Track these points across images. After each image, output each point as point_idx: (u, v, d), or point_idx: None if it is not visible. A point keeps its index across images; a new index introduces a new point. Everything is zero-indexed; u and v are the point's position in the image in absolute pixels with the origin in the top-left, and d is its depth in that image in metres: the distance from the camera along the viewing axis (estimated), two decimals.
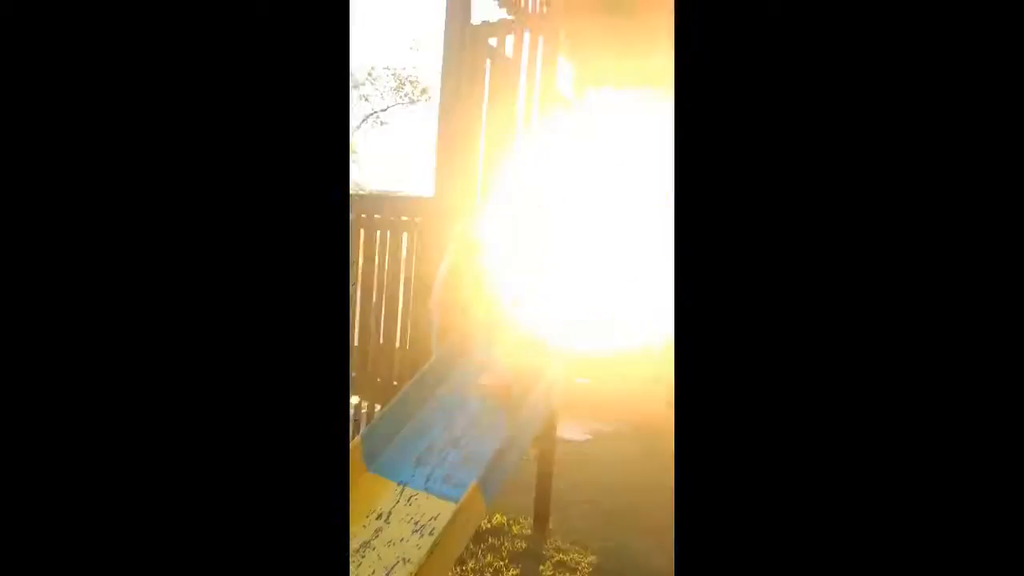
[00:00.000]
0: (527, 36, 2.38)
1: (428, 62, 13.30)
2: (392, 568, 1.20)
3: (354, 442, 1.45)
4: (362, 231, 2.61)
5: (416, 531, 1.27)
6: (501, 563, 1.92)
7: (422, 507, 1.33)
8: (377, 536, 1.28)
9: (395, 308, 2.52)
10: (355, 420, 2.70)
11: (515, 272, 1.94)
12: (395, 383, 2.50)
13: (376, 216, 2.59)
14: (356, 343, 2.66)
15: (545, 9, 2.42)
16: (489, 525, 2.15)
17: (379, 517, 1.32)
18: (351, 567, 1.23)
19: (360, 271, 2.62)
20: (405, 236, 2.52)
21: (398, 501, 1.35)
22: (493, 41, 2.36)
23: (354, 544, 1.28)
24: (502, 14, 2.41)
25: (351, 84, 13.56)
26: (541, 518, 2.18)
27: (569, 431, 3.28)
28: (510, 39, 2.38)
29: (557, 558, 1.98)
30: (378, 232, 2.59)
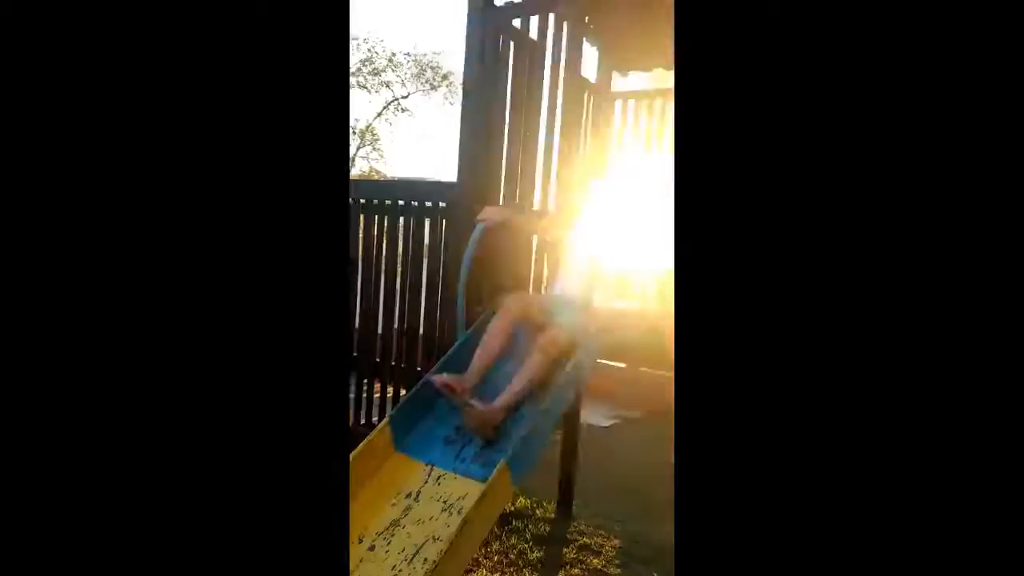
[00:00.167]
0: (552, 18, 2.35)
1: (450, 48, 13.25)
2: (422, 546, 1.22)
3: (382, 424, 1.47)
4: (385, 218, 2.63)
5: (445, 510, 1.28)
6: (525, 546, 1.94)
7: (450, 487, 1.34)
8: (406, 515, 1.30)
9: (418, 294, 2.53)
10: (380, 405, 2.73)
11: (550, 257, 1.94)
12: (418, 368, 2.51)
13: (399, 202, 2.60)
14: (380, 330, 2.69)
15: None
16: (513, 508, 2.17)
17: (408, 496, 1.34)
18: (381, 545, 1.25)
19: (384, 258, 2.63)
20: (427, 222, 2.53)
21: (426, 481, 1.36)
22: (517, 23, 2.34)
23: (384, 523, 1.30)
24: None
25: (372, 71, 13.61)
26: (565, 502, 2.19)
27: (594, 416, 3.29)
28: (535, 21, 2.35)
29: (581, 541, 1.99)
30: (401, 219, 2.60)
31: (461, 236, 2.15)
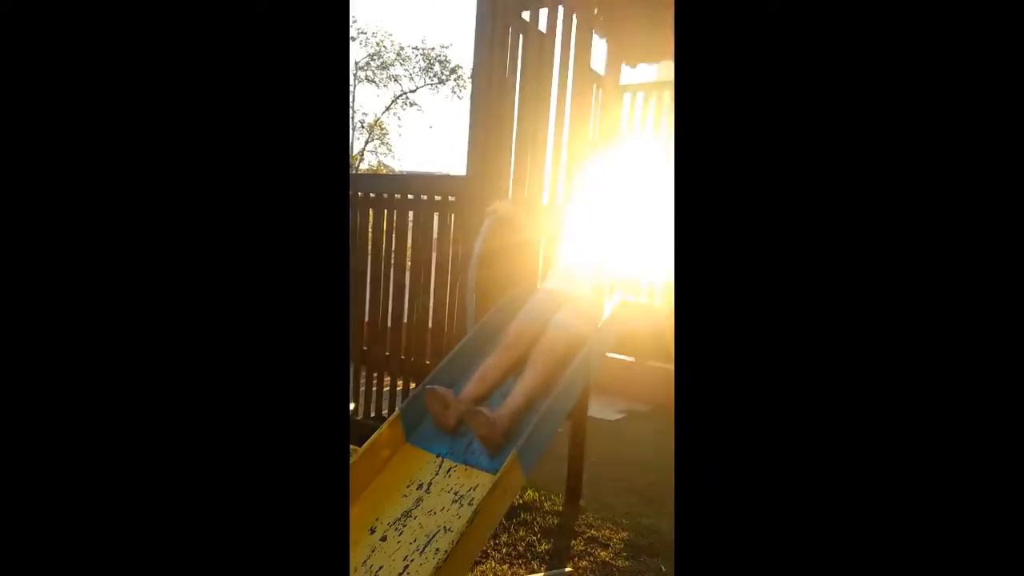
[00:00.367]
0: (561, 11, 2.34)
1: (458, 41, 13.22)
2: (434, 536, 1.23)
3: (392, 416, 1.48)
4: (395, 212, 2.63)
5: (456, 501, 1.29)
6: (533, 538, 1.95)
7: (461, 478, 1.35)
8: (418, 506, 1.31)
9: (427, 288, 2.54)
10: (390, 398, 2.75)
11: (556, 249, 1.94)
12: (427, 362, 2.53)
13: (409, 196, 2.61)
14: (389, 324, 2.70)
15: None
16: (521, 501, 2.18)
17: (419, 487, 1.35)
18: (393, 536, 1.27)
19: (393, 252, 2.64)
20: (436, 216, 2.53)
21: (437, 472, 1.38)
22: (526, 15, 2.33)
23: (396, 514, 1.31)
24: None
25: (381, 65, 13.61)
26: (573, 495, 2.19)
27: (603, 410, 3.29)
28: (543, 13, 2.35)
29: (589, 534, 2.00)
30: (411, 212, 2.60)
31: (470, 230, 2.16)
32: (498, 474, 1.23)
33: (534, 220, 2.13)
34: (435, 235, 2.55)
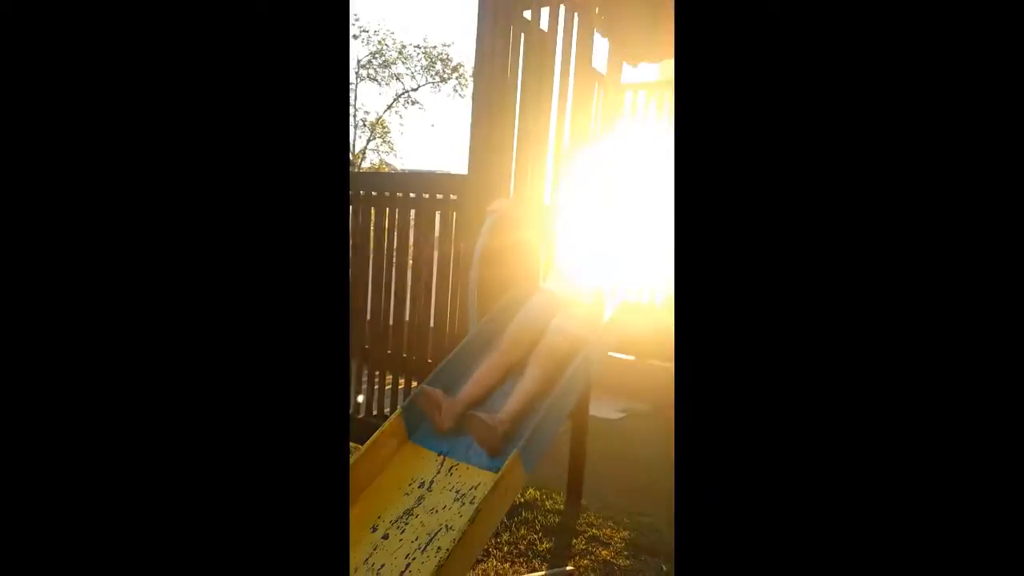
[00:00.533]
0: (562, 9, 2.34)
1: (460, 39, 13.21)
2: (435, 534, 1.23)
3: (395, 415, 1.48)
4: (396, 210, 2.64)
5: (457, 499, 1.29)
6: (535, 536, 1.95)
7: (463, 477, 1.35)
8: (420, 504, 1.31)
9: (428, 287, 2.54)
10: (392, 396, 2.76)
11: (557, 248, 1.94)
12: (429, 360, 2.53)
13: (411, 195, 2.61)
14: (390, 322, 2.71)
15: None
16: (522, 500, 2.19)
17: (421, 485, 1.35)
18: (395, 534, 1.27)
19: (394, 250, 2.64)
20: (438, 214, 2.54)
21: (439, 471, 1.38)
22: (527, 14, 2.33)
23: (397, 512, 1.31)
24: None
25: (383, 63, 13.60)
26: (574, 493, 2.20)
27: (603, 409, 3.29)
28: (545, 12, 2.35)
29: (590, 533, 2.00)
30: (412, 211, 2.61)
31: (471, 228, 2.16)
32: (499, 473, 1.23)
33: (536, 219, 2.13)
34: (437, 234, 2.55)
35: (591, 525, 2.06)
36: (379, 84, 13.91)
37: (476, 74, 2.35)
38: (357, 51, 13.65)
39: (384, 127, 14.13)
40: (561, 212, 2.09)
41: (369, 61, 13.59)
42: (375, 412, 2.74)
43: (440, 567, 1.10)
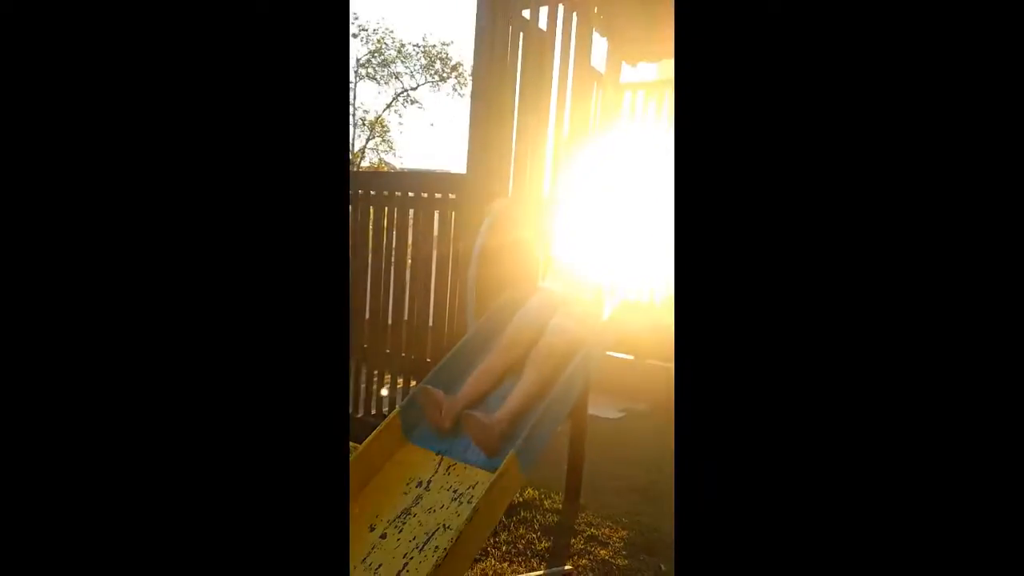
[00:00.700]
0: (561, 9, 2.34)
1: (459, 38, 13.19)
2: (433, 533, 1.23)
3: (392, 414, 1.48)
4: (395, 209, 2.63)
5: (455, 499, 1.29)
6: (533, 536, 1.95)
7: (461, 476, 1.35)
8: (418, 503, 1.31)
9: (427, 286, 2.54)
10: (391, 395, 2.75)
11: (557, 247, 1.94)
12: (428, 360, 2.53)
13: (410, 194, 2.61)
14: (389, 321, 2.70)
15: None
16: (521, 499, 2.19)
17: (419, 485, 1.35)
18: (392, 534, 1.27)
19: (393, 249, 2.64)
20: (437, 213, 2.54)
21: (437, 470, 1.38)
22: (526, 13, 2.33)
23: (395, 511, 1.31)
24: None
25: (382, 62, 13.59)
26: (572, 493, 2.20)
27: (602, 409, 3.29)
28: (544, 11, 2.34)
29: (589, 532, 2.00)
30: (411, 210, 2.60)
31: (470, 227, 2.16)
32: (497, 472, 1.23)
33: (534, 218, 2.13)
34: (436, 233, 2.55)
35: (590, 524, 2.06)
36: (378, 83, 13.90)
37: (475, 73, 2.35)
38: (356, 50, 13.64)
39: (383, 126, 14.12)
40: (560, 211, 2.09)
41: (368, 60, 13.58)
42: (373, 411, 2.74)
43: (438, 566, 1.10)
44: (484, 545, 1.82)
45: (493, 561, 1.78)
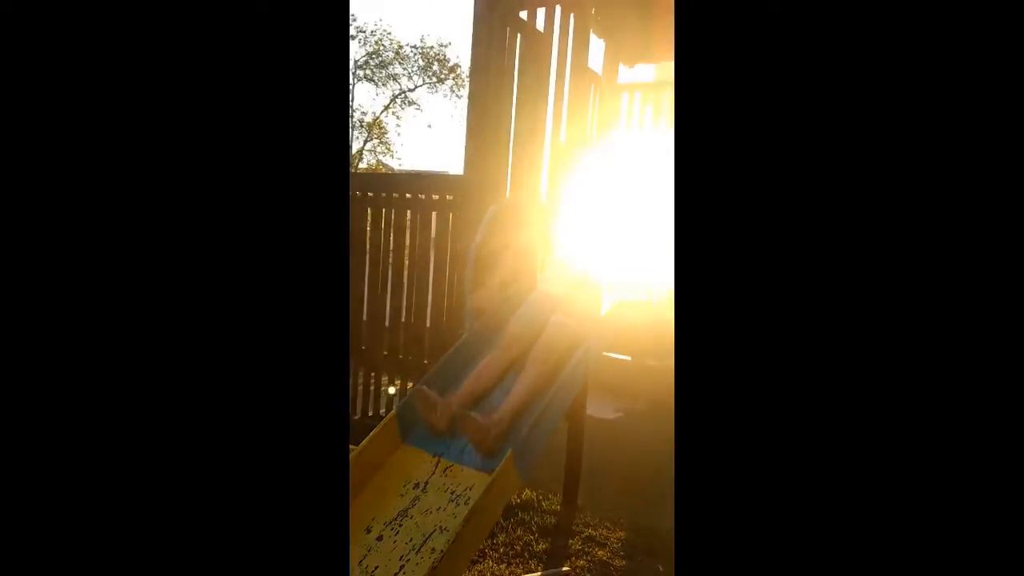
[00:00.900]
0: (558, 10, 2.34)
1: (457, 40, 13.20)
2: (429, 535, 1.23)
3: (389, 416, 1.48)
4: (392, 211, 2.63)
5: (452, 501, 1.29)
6: (531, 537, 1.95)
7: (457, 478, 1.35)
8: (414, 505, 1.31)
9: (424, 287, 2.54)
10: (387, 397, 2.75)
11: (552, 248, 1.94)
12: (425, 361, 2.53)
13: (407, 195, 2.61)
14: (386, 323, 2.70)
15: None
16: (519, 500, 2.18)
17: (416, 487, 1.35)
18: (389, 536, 1.27)
19: (391, 251, 2.64)
20: (434, 215, 2.53)
21: (434, 472, 1.38)
22: (523, 15, 2.33)
23: (392, 513, 1.31)
24: None
25: (379, 64, 13.59)
26: (570, 494, 2.19)
27: (600, 409, 3.29)
28: (541, 13, 2.35)
29: (587, 533, 2.00)
30: (408, 212, 2.61)
31: (468, 229, 2.16)
32: (494, 474, 1.23)
33: (532, 218, 2.13)
34: (433, 234, 2.55)
35: (587, 525, 2.05)
36: (376, 85, 13.90)
37: (472, 74, 2.35)
38: (354, 52, 13.64)
39: (381, 128, 14.11)
40: (557, 211, 2.09)
41: (366, 62, 13.58)
42: (370, 413, 2.73)
43: (434, 569, 1.10)
44: (481, 547, 1.82)
45: (491, 563, 1.78)
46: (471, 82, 2.37)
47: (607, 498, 2.26)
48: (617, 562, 1.84)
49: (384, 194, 2.68)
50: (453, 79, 13.84)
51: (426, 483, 1.35)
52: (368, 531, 1.28)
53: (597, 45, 3.11)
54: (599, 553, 1.88)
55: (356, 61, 13.48)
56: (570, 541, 1.95)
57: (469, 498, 1.28)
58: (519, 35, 2.32)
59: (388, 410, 2.65)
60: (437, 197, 2.53)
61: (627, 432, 3.12)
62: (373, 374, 2.75)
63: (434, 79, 13.88)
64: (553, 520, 2.09)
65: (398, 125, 18.34)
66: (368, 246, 2.73)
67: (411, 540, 1.24)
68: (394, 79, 13.81)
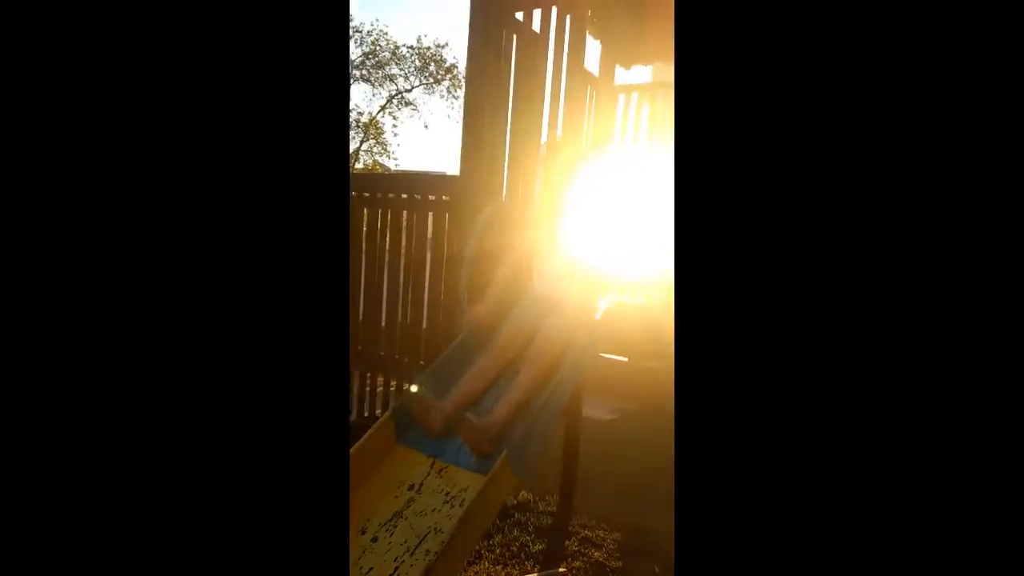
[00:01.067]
0: (554, 11, 2.34)
1: (453, 41, 13.20)
2: (424, 537, 1.23)
3: (384, 416, 1.47)
4: (389, 211, 2.63)
5: (447, 502, 1.29)
6: (527, 538, 1.95)
7: (453, 479, 1.34)
8: (409, 507, 1.31)
9: (421, 287, 2.54)
10: (383, 398, 2.75)
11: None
12: (421, 362, 2.52)
13: (403, 196, 2.61)
14: (383, 323, 2.70)
15: None
16: (515, 501, 2.18)
17: (411, 488, 1.35)
18: (384, 537, 1.26)
19: (387, 251, 2.64)
20: (431, 215, 2.53)
21: (428, 473, 1.37)
22: (520, 16, 2.33)
23: (386, 515, 1.30)
24: None
25: (376, 64, 13.56)
26: (567, 495, 2.19)
27: (596, 410, 3.29)
28: (537, 14, 2.35)
29: (583, 534, 2.00)
30: (405, 212, 2.60)
31: (464, 229, 2.16)
32: (489, 475, 1.22)
33: (528, 219, 2.13)
34: (429, 234, 2.55)
35: (584, 527, 2.05)
36: (372, 85, 13.87)
37: (468, 75, 2.35)
38: (350, 52, 13.62)
39: (378, 128, 14.09)
40: (553, 212, 2.09)
41: (362, 62, 13.56)
42: (366, 414, 2.73)
43: (428, 570, 1.10)
44: (478, 548, 1.82)
45: (487, 564, 1.78)
46: (467, 82, 2.36)
47: (603, 499, 2.26)
48: (613, 563, 1.84)
49: (380, 194, 2.68)
50: (450, 80, 13.82)
51: (421, 484, 1.35)
52: (363, 532, 1.27)
53: (593, 46, 3.12)
54: (595, 554, 1.88)
55: (352, 61, 13.46)
56: (566, 542, 1.95)
57: (464, 499, 1.28)
58: (515, 36, 2.31)
59: (384, 411, 2.64)
60: (433, 198, 2.53)
61: (623, 433, 3.12)
62: (369, 374, 2.74)
63: (431, 80, 13.87)
64: (549, 521, 2.08)
65: (395, 125, 18.30)
66: (364, 246, 2.72)
67: (406, 541, 1.23)
68: (391, 79, 13.79)
